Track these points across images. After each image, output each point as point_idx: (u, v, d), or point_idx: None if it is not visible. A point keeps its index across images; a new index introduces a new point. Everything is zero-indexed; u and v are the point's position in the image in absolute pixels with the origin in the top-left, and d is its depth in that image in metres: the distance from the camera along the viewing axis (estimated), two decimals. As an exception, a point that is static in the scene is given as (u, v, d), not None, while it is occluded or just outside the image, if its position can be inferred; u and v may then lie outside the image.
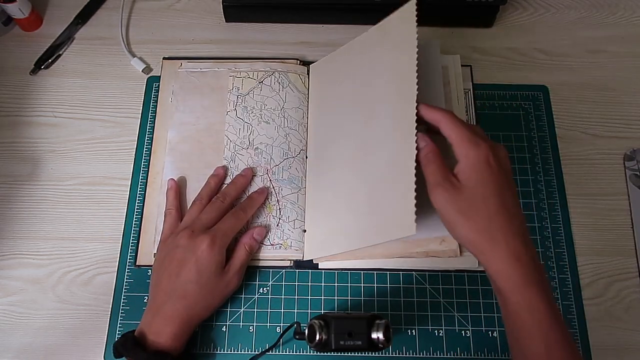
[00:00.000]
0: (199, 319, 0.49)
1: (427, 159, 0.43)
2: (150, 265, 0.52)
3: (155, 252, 0.52)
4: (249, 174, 0.55)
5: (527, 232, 0.42)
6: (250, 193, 0.54)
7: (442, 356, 0.51)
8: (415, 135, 0.44)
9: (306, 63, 0.62)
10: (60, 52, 0.64)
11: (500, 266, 0.40)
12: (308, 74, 0.61)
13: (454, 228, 0.42)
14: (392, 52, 0.50)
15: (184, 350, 0.47)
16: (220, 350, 0.51)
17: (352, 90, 0.55)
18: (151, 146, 0.58)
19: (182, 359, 0.47)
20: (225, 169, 0.56)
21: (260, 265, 0.53)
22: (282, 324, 0.52)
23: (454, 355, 0.51)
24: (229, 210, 0.52)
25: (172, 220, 0.52)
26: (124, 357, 0.45)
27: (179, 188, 0.55)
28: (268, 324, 0.52)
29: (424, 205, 0.45)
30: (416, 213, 0.42)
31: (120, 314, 0.52)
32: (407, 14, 0.47)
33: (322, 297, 0.53)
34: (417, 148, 0.43)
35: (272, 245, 0.53)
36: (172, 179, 0.55)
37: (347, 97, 0.55)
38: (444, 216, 0.42)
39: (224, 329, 0.51)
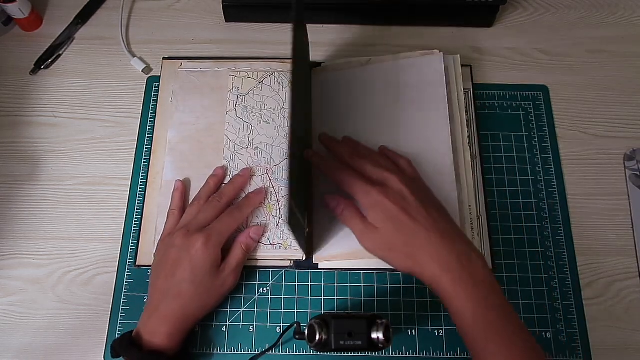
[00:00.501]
0: (195, 319, 0.48)
1: (344, 216, 0.48)
2: (150, 265, 0.52)
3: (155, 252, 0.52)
4: (247, 174, 0.55)
5: (453, 234, 0.45)
6: (248, 193, 0.54)
7: (442, 356, 0.51)
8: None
9: (306, 63, 0.62)
10: (60, 52, 0.64)
11: (432, 280, 0.44)
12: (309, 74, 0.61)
13: (391, 263, 0.46)
14: None
15: (181, 349, 0.47)
16: (220, 350, 0.51)
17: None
18: (151, 146, 0.58)
19: (178, 358, 0.47)
20: (224, 169, 0.56)
21: (260, 265, 0.53)
22: (282, 324, 0.52)
23: (454, 355, 0.51)
24: (224, 210, 0.52)
25: (173, 221, 0.52)
26: (121, 357, 0.45)
27: (185, 189, 0.55)
28: (268, 324, 0.52)
29: None
30: None
31: (120, 314, 0.52)
32: None
33: (322, 297, 0.53)
34: (331, 208, 0.49)
35: (272, 245, 0.53)
36: (179, 180, 0.55)
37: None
38: (379, 257, 0.47)
39: (224, 329, 0.51)
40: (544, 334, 0.52)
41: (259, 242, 0.53)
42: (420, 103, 0.58)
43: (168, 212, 0.53)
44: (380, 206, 0.46)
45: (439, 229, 0.45)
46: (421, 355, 0.51)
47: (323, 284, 0.53)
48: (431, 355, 0.51)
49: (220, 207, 0.52)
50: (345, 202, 0.48)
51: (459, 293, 0.42)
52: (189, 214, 0.51)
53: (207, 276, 0.48)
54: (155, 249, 0.52)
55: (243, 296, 0.53)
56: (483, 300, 0.42)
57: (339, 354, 0.51)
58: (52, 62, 0.63)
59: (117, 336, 0.51)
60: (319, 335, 0.42)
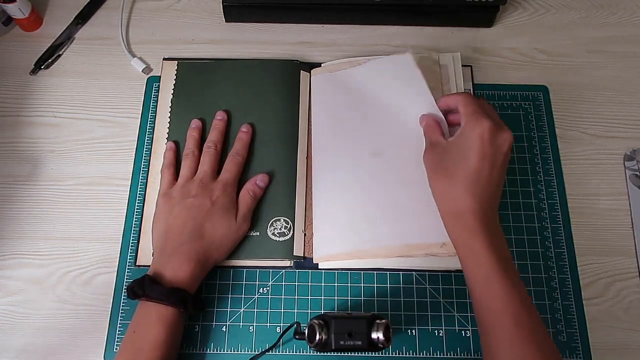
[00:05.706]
0: (213, 261, 0.51)
1: (427, 125, 0.52)
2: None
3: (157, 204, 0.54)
4: (224, 116, 0.58)
5: (495, 190, 0.46)
6: (238, 134, 0.57)
7: (442, 356, 0.51)
8: None
9: (306, 63, 0.62)
10: (60, 52, 0.64)
11: (456, 210, 0.46)
12: (310, 75, 0.61)
13: (428, 180, 0.49)
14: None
15: (196, 294, 0.49)
16: (220, 350, 0.51)
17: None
18: (151, 146, 0.58)
19: (194, 301, 0.48)
20: (201, 119, 0.58)
21: (260, 265, 0.53)
22: (282, 324, 0.52)
23: (454, 355, 0.51)
24: (220, 155, 0.55)
25: (170, 177, 0.54)
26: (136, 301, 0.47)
27: (177, 149, 0.57)
28: (268, 324, 0.52)
29: (426, 213, 0.50)
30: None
31: (120, 314, 0.52)
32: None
33: (322, 297, 0.53)
34: (421, 118, 0.53)
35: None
36: (171, 141, 0.57)
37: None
38: (427, 171, 0.50)
39: (224, 329, 0.51)
40: (544, 334, 0.52)
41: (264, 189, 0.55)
42: (406, 103, 0.56)
43: (162, 170, 0.55)
44: (475, 138, 0.46)
45: (490, 179, 0.45)
46: (421, 355, 0.51)
47: (323, 284, 0.53)
48: (431, 355, 0.51)
49: (217, 155, 0.55)
50: (434, 116, 0.52)
51: (478, 230, 0.44)
52: (187, 167, 0.54)
53: (227, 220, 0.51)
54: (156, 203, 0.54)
55: (243, 296, 0.53)
56: (491, 244, 0.44)
57: (339, 354, 0.51)
58: (52, 62, 0.63)
59: (117, 336, 0.51)
60: (319, 335, 0.42)
